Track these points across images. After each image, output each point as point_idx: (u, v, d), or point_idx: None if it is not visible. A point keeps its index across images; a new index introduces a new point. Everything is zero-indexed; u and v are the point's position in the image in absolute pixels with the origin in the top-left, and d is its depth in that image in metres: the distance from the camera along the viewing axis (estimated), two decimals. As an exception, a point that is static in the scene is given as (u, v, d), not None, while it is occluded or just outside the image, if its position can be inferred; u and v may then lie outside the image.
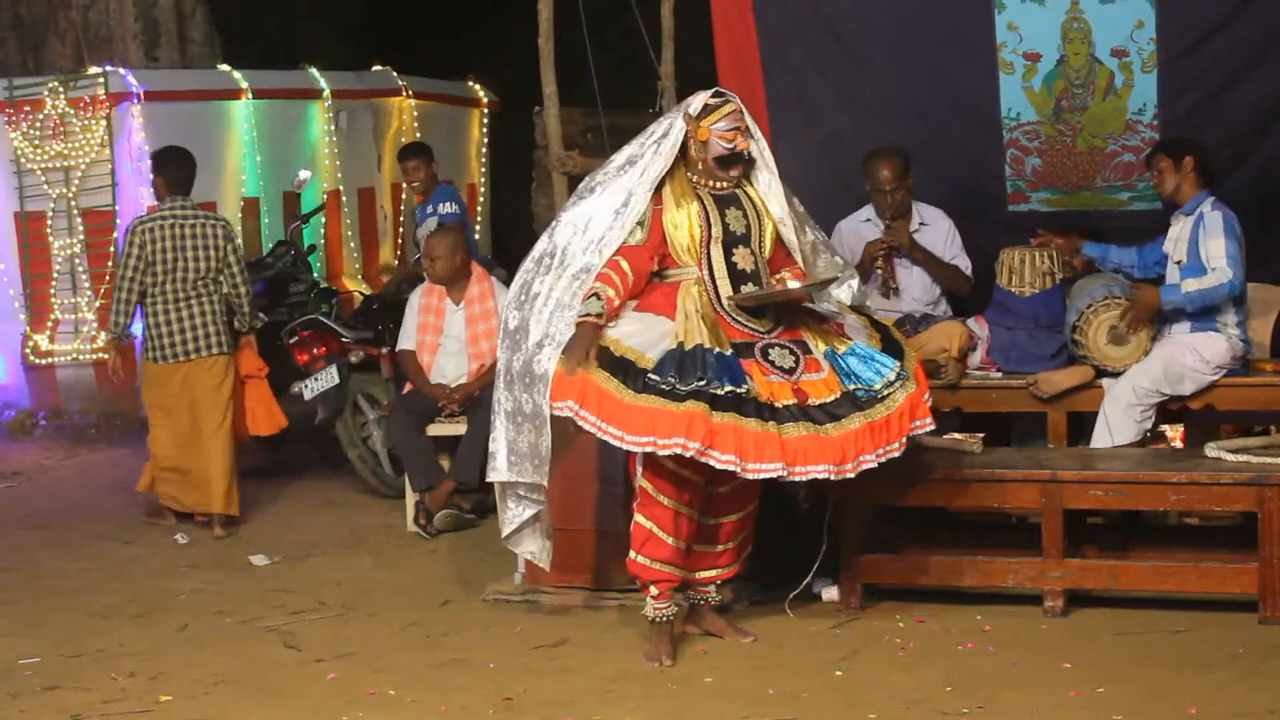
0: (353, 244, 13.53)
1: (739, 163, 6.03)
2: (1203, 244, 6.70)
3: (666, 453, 5.62)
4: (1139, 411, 6.80)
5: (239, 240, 8.52)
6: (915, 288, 7.36)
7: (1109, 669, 5.56)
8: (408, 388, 8.52)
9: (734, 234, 6.00)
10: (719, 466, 5.60)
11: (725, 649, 5.95)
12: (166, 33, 14.00)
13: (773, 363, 5.85)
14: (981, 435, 7.04)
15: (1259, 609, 6.04)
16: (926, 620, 6.19)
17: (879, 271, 7.29)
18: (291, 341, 9.18)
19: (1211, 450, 6.35)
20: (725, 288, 5.95)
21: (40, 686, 5.78)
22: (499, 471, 6.08)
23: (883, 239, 7.28)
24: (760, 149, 6.15)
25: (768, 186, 6.10)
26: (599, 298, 5.81)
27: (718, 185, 6.04)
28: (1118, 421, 6.79)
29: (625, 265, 5.89)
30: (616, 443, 5.70)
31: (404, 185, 14.04)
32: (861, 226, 7.41)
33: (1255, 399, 6.94)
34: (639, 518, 5.90)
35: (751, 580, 6.47)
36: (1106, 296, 6.87)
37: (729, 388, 5.65)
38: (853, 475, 5.78)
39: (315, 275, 11.18)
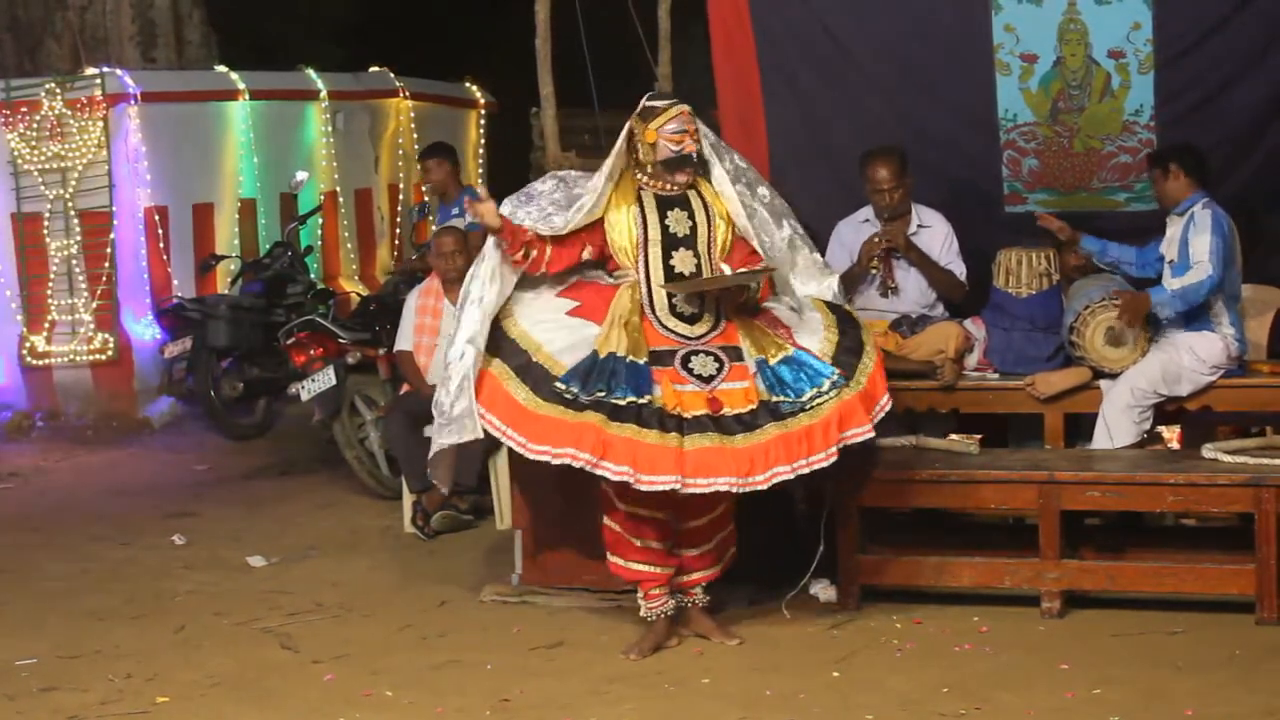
0: (350, 245, 13.53)
1: (687, 165, 6.01)
2: (1190, 242, 6.70)
3: (558, 463, 5.70)
4: (1137, 413, 6.79)
5: None
6: (912, 289, 7.35)
7: (1106, 670, 5.56)
8: (405, 389, 8.52)
9: (674, 236, 6.00)
10: (613, 478, 5.64)
11: (721, 650, 5.94)
12: (163, 34, 13.99)
13: (691, 370, 5.84)
14: (979, 436, 7.05)
15: (1255, 610, 6.04)
16: (923, 621, 6.19)
17: (875, 272, 7.28)
18: (289, 343, 9.17)
19: (1208, 451, 6.35)
20: (661, 291, 5.97)
21: (37, 688, 5.78)
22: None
23: (879, 237, 7.25)
24: (716, 150, 6.14)
25: (720, 183, 6.08)
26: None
27: (664, 187, 6.04)
28: (1117, 423, 6.79)
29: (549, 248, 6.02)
30: (521, 450, 5.79)
31: (400, 186, 14.15)
32: (861, 227, 7.40)
33: (1252, 400, 6.93)
34: (606, 521, 5.98)
35: (748, 581, 6.47)
36: (1104, 298, 6.86)
37: (630, 398, 5.68)
38: (764, 486, 5.71)
39: (312, 276, 11.19)
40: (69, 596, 7.08)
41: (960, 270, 7.35)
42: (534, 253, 6.00)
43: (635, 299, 5.97)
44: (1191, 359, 6.76)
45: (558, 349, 5.89)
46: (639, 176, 6.07)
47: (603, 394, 5.70)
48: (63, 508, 9.12)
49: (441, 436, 6.06)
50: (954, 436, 6.86)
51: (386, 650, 6.11)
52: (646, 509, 5.87)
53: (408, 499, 8.20)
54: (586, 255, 6.09)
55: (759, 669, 5.71)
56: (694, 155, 6.01)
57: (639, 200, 6.03)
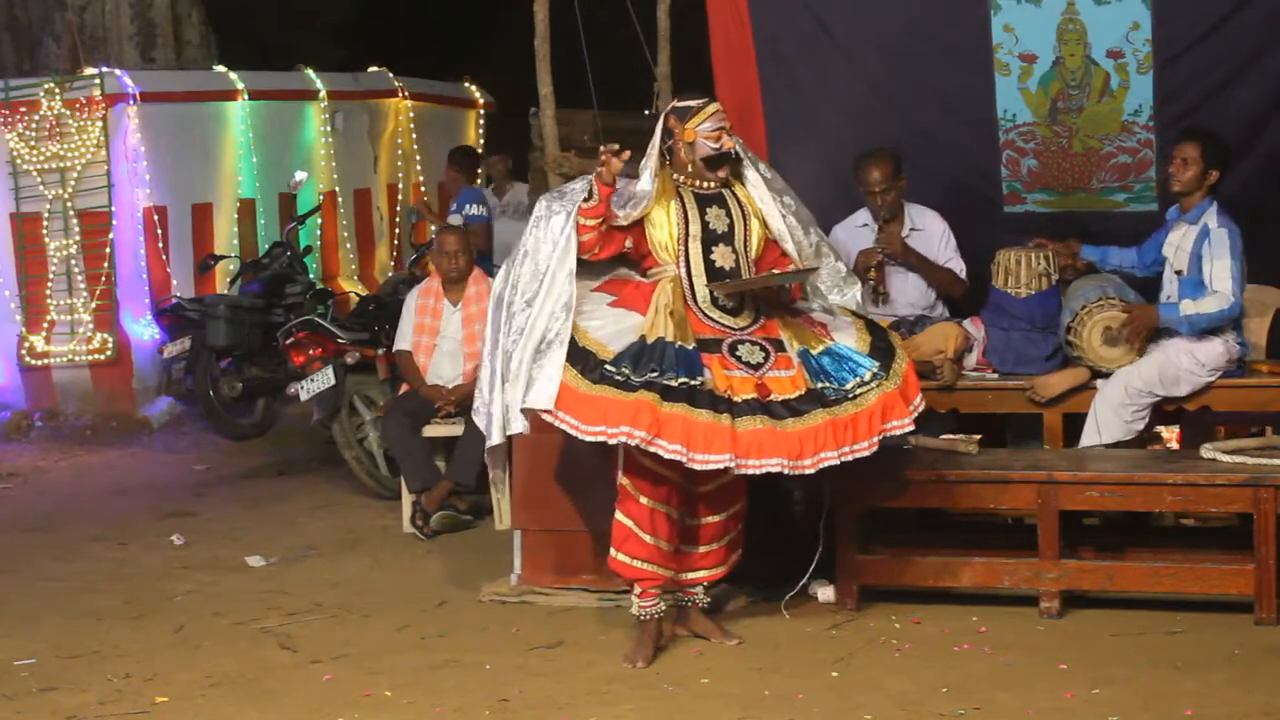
0: (349, 245, 13.54)
1: (726, 162, 6.10)
2: (1206, 260, 6.66)
3: (614, 441, 5.68)
4: (1130, 412, 6.78)
5: None
6: (911, 292, 7.35)
7: (1105, 670, 5.56)
8: (404, 389, 8.52)
9: (714, 232, 6.06)
10: (666, 456, 5.63)
11: (720, 650, 5.95)
12: (162, 34, 14.01)
13: (739, 358, 5.88)
14: (978, 436, 7.05)
15: (1254, 610, 6.04)
16: (922, 621, 6.19)
17: (872, 281, 7.26)
18: (288, 343, 9.17)
19: (1207, 451, 6.35)
20: (701, 285, 6.03)
21: (36, 688, 5.78)
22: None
23: (877, 247, 7.25)
24: (746, 152, 6.23)
25: (755, 186, 6.18)
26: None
27: (702, 185, 6.11)
28: (1106, 420, 6.78)
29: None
30: (573, 432, 5.76)
31: (399, 186, 14.15)
32: (857, 231, 7.40)
33: (1251, 400, 6.93)
34: (619, 515, 5.95)
35: (747, 581, 6.47)
36: (1100, 297, 6.86)
37: (682, 379, 5.69)
38: (811, 471, 5.75)
39: (311, 276, 11.19)
40: (68, 596, 7.08)
41: (960, 267, 7.36)
42: (603, 228, 5.95)
43: (678, 291, 6.00)
44: (1190, 361, 6.75)
45: (604, 335, 5.87)
46: (676, 176, 6.11)
47: (655, 374, 5.69)
48: (62, 508, 9.13)
49: (511, 429, 5.99)
50: (951, 436, 6.85)
51: (385, 650, 6.11)
52: (665, 504, 5.88)
53: (406, 499, 8.21)
54: (626, 246, 6.10)
55: (758, 669, 5.71)
56: (733, 152, 6.10)
57: (679, 197, 6.08)
